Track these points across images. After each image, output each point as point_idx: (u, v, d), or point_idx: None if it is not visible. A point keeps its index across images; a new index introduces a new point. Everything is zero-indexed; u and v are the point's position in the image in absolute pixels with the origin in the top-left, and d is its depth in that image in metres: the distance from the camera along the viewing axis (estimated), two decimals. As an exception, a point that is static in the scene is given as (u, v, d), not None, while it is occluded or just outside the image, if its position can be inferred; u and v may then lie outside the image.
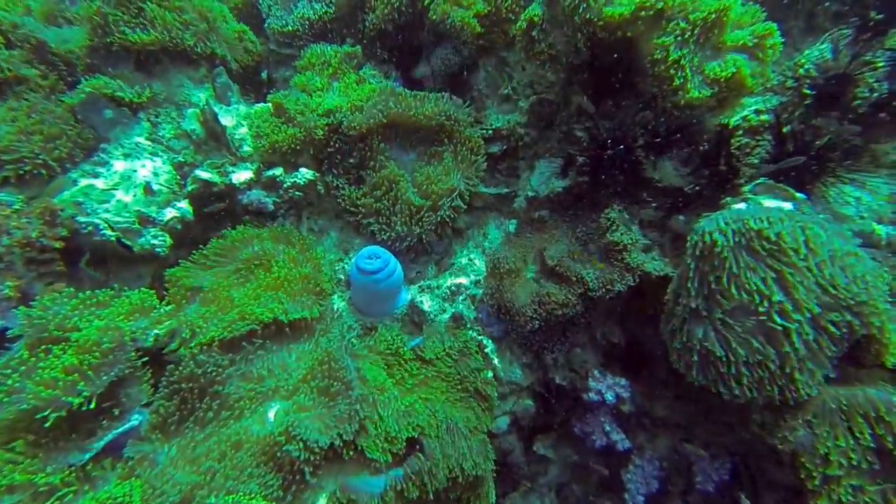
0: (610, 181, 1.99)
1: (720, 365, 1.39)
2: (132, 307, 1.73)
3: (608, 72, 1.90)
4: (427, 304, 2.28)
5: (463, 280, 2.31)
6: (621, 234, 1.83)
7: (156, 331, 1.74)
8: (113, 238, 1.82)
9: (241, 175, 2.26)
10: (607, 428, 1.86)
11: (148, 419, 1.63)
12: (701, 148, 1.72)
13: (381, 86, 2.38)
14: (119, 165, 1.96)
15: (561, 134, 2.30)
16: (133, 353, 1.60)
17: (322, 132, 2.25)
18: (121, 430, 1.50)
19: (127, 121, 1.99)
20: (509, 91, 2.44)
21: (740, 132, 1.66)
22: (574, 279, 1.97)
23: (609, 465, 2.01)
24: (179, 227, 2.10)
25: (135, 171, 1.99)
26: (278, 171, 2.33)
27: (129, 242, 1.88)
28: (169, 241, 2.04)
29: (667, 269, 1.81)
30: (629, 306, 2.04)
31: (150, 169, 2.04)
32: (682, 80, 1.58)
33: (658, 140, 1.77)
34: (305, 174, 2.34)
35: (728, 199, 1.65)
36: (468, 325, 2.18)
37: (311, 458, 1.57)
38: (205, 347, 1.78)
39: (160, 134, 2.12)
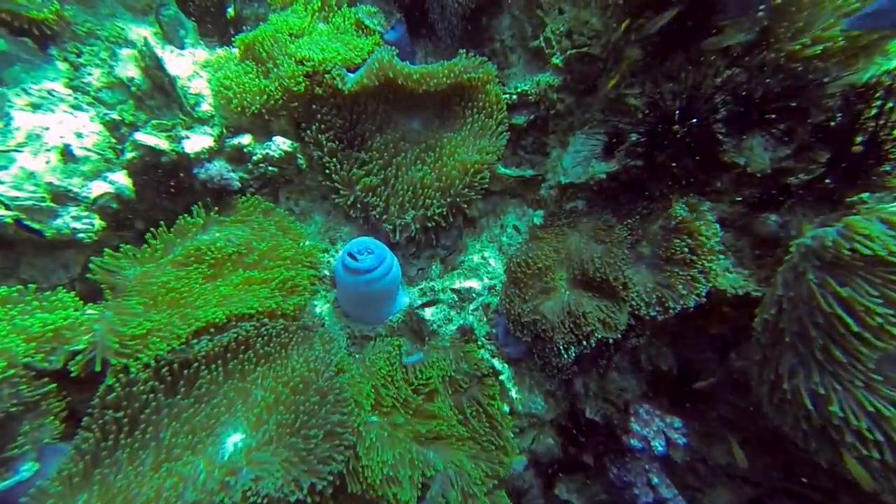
0: (673, 166, 1.52)
1: (849, 435, 0.98)
2: (38, 318, 1.29)
3: (684, 12, 1.39)
4: (429, 310, 1.85)
5: (474, 283, 1.87)
6: (694, 235, 1.38)
7: (70, 347, 1.30)
8: (9, 220, 1.35)
9: (198, 142, 1.76)
10: (655, 480, 1.47)
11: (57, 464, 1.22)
12: (832, 122, 1.22)
13: (380, 48, 1.83)
14: (23, 119, 1.47)
15: (607, 101, 1.80)
16: (24, 386, 1.16)
17: (302, 85, 1.74)
18: (4, 486, 1.09)
19: (31, 57, 1.48)
20: (541, 43, 1.92)
21: (878, 95, 1.17)
22: (619, 292, 1.54)
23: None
24: (115, 205, 1.63)
25: (47, 128, 1.50)
26: (246, 138, 1.83)
27: (36, 225, 1.41)
28: (99, 223, 1.57)
29: (748, 285, 1.37)
30: (685, 324, 1.62)
31: (70, 127, 1.54)
32: (812, 17, 1.08)
33: (753, 110, 1.28)
34: (281, 144, 1.85)
35: (865, 195, 1.18)
36: (479, 342, 1.75)
37: (272, 529, 1.18)
38: (143, 367, 1.36)
39: (85, 80, 1.61)
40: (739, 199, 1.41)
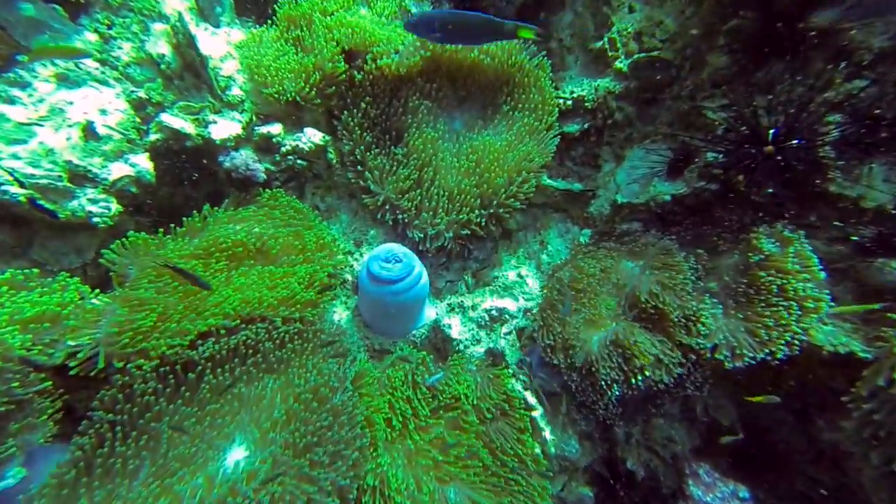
0: (769, 193, 1.30)
1: None
2: (40, 305, 1.19)
3: (790, 11, 1.18)
4: (457, 329, 1.68)
5: (508, 303, 1.69)
6: (790, 275, 1.16)
7: (73, 341, 1.20)
8: (22, 199, 1.26)
9: (225, 128, 1.65)
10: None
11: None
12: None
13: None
14: (47, 90, 1.38)
15: (676, 113, 1.60)
16: (16, 383, 1.06)
17: (341, 65, 1.62)
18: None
19: (61, 27, 1.39)
20: (604, 44, 1.73)
21: None
22: (677, 328, 1.33)
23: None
24: (134, 189, 1.53)
25: (71, 102, 1.41)
26: (276, 127, 1.71)
27: (50, 206, 1.32)
28: (116, 207, 1.47)
29: (852, 343, 1.15)
30: (756, 376, 1.40)
31: (95, 103, 1.45)
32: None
33: (882, 132, 1.06)
34: (313, 136, 1.73)
35: None
36: (510, 371, 1.58)
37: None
38: (144, 365, 1.25)
39: (114, 54, 1.52)
40: (855, 238, 1.18)
